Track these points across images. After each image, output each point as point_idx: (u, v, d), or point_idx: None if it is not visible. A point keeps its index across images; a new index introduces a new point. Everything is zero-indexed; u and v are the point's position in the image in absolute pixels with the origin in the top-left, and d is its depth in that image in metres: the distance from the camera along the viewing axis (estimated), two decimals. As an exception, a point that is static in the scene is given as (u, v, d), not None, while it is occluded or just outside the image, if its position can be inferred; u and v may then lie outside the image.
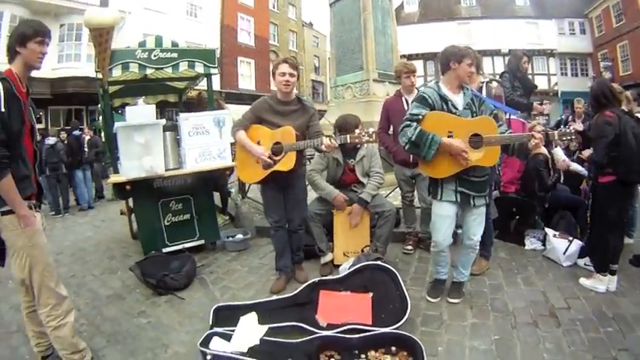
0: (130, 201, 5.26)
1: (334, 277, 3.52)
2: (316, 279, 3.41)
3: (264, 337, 2.78)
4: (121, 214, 6.24)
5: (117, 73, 4.43)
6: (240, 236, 5.05)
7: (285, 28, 31.20)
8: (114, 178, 4.34)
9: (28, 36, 2.28)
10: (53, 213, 8.83)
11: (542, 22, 29.23)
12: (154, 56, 4.53)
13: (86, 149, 9.70)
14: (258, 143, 3.53)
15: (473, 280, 3.73)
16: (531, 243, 4.66)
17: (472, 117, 3.09)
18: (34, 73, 2.52)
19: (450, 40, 28.48)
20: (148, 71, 4.67)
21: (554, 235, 4.27)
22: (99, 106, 5.31)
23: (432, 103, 3.06)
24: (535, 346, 2.73)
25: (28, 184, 2.34)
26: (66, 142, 9.34)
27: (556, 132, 3.10)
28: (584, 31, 29.00)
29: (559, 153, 5.21)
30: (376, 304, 3.05)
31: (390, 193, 5.50)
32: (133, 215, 5.73)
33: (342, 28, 8.62)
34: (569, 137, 3.08)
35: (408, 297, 3.01)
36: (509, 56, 5.84)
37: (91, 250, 5.58)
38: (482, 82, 4.17)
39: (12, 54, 2.32)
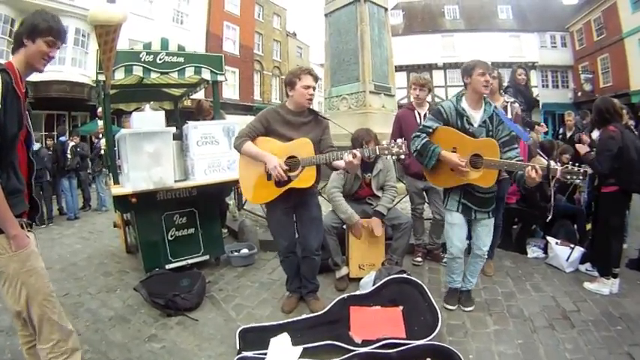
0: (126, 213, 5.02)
1: (362, 292, 3.40)
2: (345, 295, 3.28)
3: (300, 359, 2.65)
4: (114, 226, 5.94)
5: (119, 75, 4.12)
6: (245, 251, 4.81)
7: (269, 37, 30.98)
8: (117, 190, 4.05)
9: (40, 30, 1.96)
10: (36, 223, 8.43)
11: (524, 35, 29.74)
12: (160, 60, 4.26)
13: (69, 156, 9.22)
14: None
15: (486, 289, 3.89)
16: (533, 251, 4.81)
17: (487, 135, 3.15)
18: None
19: (433, 52, 29.24)
20: (153, 75, 4.37)
21: (557, 243, 4.47)
22: (98, 110, 4.97)
23: (447, 117, 3.19)
24: (556, 347, 2.88)
25: (19, 199, 2.00)
26: (51, 148, 8.98)
27: (559, 168, 2.77)
28: (566, 44, 29.65)
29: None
30: (407, 317, 3.02)
31: (399, 201, 5.35)
32: (127, 228, 5.48)
33: (338, 38, 8.55)
34: (575, 177, 2.72)
35: (437, 308, 3.00)
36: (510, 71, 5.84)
37: (83, 265, 5.27)
38: (507, 102, 4.17)
39: (17, 44, 1.99)
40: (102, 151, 6.45)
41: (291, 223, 3.48)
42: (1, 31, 14.07)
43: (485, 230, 3.33)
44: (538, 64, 29.30)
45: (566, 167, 2.77)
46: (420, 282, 3.28)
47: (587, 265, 4.22)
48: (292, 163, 3.07)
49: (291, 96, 3.22)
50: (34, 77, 14.24)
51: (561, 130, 8.72)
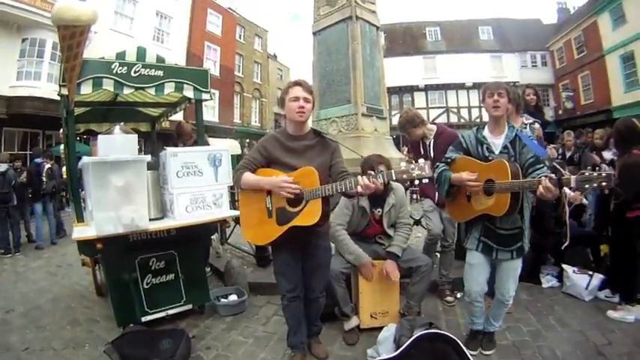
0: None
1: (388, 356, 2.83)
2: (369, 360, 2.70)
3: None
4: (83, 264, 5.23)
5: (86, 89, 3.50)
6: (234, 297, 4.16)
7: (250, 59, 30.82)
8: (79, 233, 3.36)
9: None
10: (2, 252, 7.72)
11: (505, 56, 30.14)
12: (135, 72, 3.66)
13: (44, 179, 8.56)
14: (269, 193, 2.71)
15: (510, 329, 3.56)
16: (548, 281, 4.63)
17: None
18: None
19: (415, 74, 29.26)
20: (126, 91, 3.73)
21: (574, 272, 4.32)
22: (60, 130, 4.32)
23: (467, 146, 3.06)
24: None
25: None
26: (20, 170, 8.28)
27: (572, 177, 2.27)
28: (546, 63, 30.29)
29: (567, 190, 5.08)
30: (441, 382, 2.54)
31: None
32: (97, 266, 4.77)
33: (327, 58, 8.01)
34: (595, 183, 2.19)
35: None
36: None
37: (48, 310, 4.58)
38: (526, 124, 3.91)
39: None
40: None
41: (298, 263, 2.95)
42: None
43: (510, 275, 2.99)
44: (519, 84, 29.47)
45: (583, 174, 2.25)
46: (454, 338, 2.75)
47: (607, 292, 4.12)
48: (295, 197, 2.61)
49: (285, 117, 2.80)
50: (8, 92, 13.63)
51: (560, 151, 8.45)
